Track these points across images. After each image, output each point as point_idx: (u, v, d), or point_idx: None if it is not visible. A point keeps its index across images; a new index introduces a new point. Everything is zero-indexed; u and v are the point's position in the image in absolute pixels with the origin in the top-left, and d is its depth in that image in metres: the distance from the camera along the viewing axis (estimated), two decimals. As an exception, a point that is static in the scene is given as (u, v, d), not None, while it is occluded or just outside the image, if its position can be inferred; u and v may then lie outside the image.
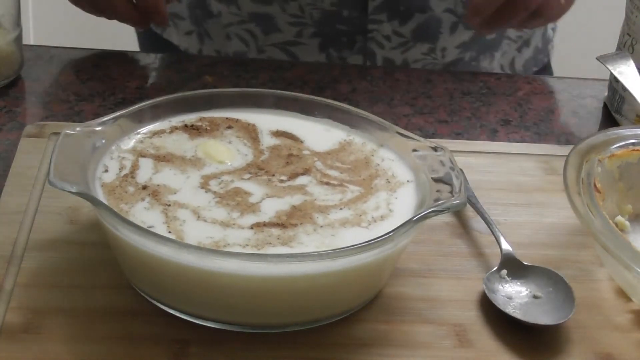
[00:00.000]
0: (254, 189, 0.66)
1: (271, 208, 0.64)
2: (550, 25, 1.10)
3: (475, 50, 1.05)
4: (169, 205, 0.63)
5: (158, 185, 0.65)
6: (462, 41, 1.03)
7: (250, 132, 0.71)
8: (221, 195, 0.65)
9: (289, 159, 0.69)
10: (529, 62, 1.10)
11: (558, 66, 1.18)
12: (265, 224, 0.62)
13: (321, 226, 0.63)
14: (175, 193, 0.64)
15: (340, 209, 0.64)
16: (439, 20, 1.01)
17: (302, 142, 0.71)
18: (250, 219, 0.62)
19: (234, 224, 0.62)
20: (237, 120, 0.72)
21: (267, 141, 0.71)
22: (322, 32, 1.00)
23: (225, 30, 1.02)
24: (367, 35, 1.00)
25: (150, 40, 1.12)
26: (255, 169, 0.68)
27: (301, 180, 0.67)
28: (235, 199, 0.64)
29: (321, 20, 0.99)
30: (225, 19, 1.01)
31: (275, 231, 0.62)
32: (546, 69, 1.13)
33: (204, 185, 0.65)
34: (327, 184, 0.67)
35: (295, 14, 0.99)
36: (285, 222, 0.62)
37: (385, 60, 1.02)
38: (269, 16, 0.99)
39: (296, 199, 0.65)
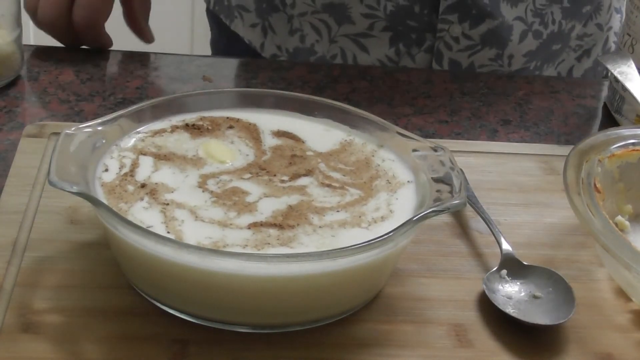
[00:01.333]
0: (253, 188, 0.65)
1: (268, 208, 0.64)
2: (612, 39, 1.09)
3: (541, 59, 1.05)
4: (167, 204, 0.63)
5: (156, 183, 0.65)
6: (529, 50, 1.03)
7: (252, 132, 0.71)
8: (218, 194, 0.64)
9: (292, 160, 0.69)
10: (588, 72, 1.09)
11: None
12: (262, 224, 0.62)
13: (320, 227, 0.62)
14: (172, 192, 0.64)
15: (337, 211, 0.64)
16: (509, 27, 1.00)
17: (303, 142, 0.71)
18: (247, 219, 0.62)
19: (231, 224, 0.62)
20: (237, 120, 0.72)
21: (269, 141, 0.71)
22: (393, 27, 1.01)
23: (291, 24, 1.03)
24: (437, 35, 1.01)
25: (224, 35, 1.13)
26: (256, 169, 0.67)
27: (302, 181, 0.67)
28: (232, 199, 0.64)
29: (393, 15, 1.00)
30: (300, 8, 1.02)
31: (274, 231, 0.61)
32: None
33: (202, 184, 0.65)
34: (329, 185, 0.67)
35: (371, 5, 0.99)
36: (281, 222, 0.62)
37: (451, 62, 1.02)
38: (344, 7, 1.00)
39: (293, 199, 0.65)
